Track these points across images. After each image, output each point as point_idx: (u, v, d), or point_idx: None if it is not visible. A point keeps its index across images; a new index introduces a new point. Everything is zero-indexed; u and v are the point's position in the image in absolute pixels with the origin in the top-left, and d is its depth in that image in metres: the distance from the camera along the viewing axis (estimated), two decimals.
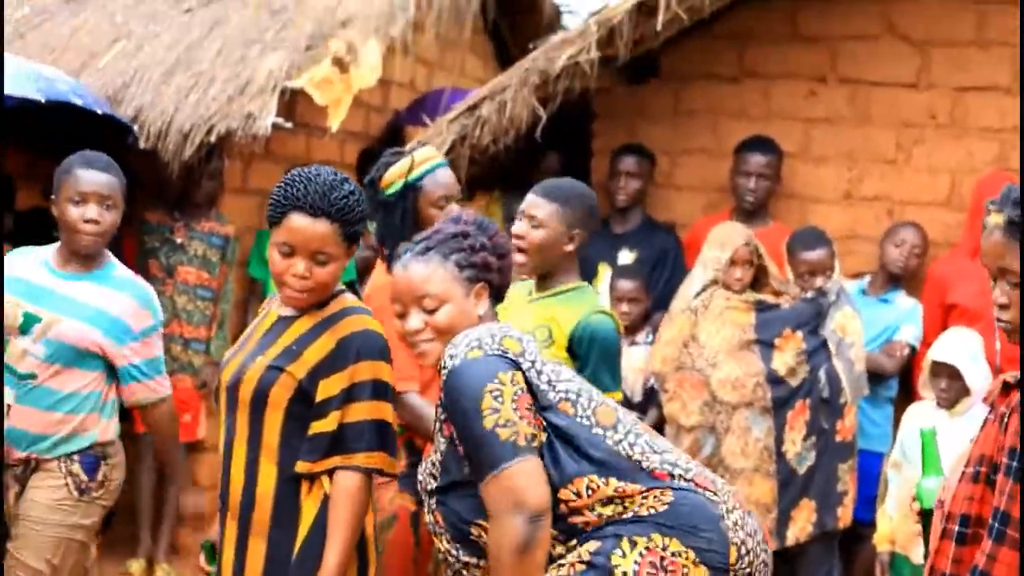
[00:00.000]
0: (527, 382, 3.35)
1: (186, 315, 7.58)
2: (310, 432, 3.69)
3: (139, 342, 4.80)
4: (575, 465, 3.31)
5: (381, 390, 3.72)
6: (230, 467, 3.79)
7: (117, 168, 4.86)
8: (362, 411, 3.68)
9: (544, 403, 3.36)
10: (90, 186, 4.75)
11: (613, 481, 3.30)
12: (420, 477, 3.57)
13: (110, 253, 4.91)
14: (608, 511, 3.31)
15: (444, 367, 3.40)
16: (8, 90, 6.35)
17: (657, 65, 7.42)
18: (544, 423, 3.35)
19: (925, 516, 3.69)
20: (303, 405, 3.69)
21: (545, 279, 4.66)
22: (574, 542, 3.32)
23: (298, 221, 3.67)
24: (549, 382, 3.39)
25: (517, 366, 3.36)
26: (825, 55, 7.17)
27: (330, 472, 3.68)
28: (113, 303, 4.78)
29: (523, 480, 3.24)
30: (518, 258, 4.54)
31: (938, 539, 3.20)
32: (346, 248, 3.74)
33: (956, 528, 3.12)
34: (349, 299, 3.83)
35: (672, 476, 3.34)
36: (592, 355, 4.48)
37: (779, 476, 6.21)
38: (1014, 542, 2.96)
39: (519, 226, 4.62)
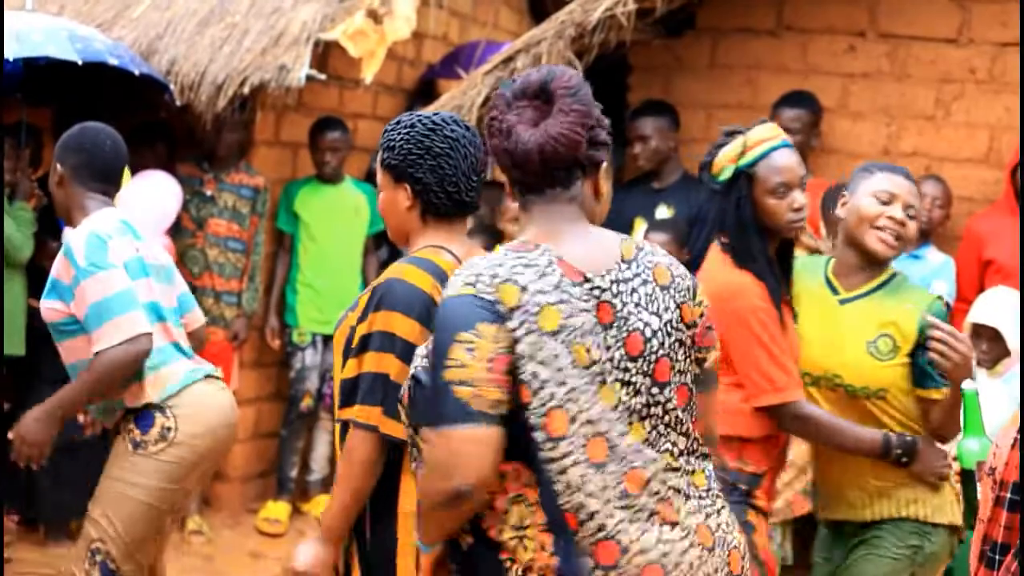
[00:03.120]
0: (514, 342, 2.88)
1: (217, 267, 7.57)
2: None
3: (77, 290, 4.59)
4: (516, 453, 2.92)
5: (388, 342, 3.45)
6: None
7: (65, 138, 4.90)
8: (369, 362, 3.48)
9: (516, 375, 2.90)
10: None
11: (532, 495, 2.92)
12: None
13: (90, 214, 4.78)
14: (513, 520, 2.94)
15: None
16: (45, 51, 6.38)
17: (694, 18, 7.34)
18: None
19: (965, 476, 3.64)
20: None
21: (852, 269, 4.34)
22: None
23: None
24: (529, 355, 2.88)
25: (504, 321, 2.89)
26: (864, 10, 7.08)
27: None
28: (54, 265, 4.73)
29: (465, 449, 2.84)
30: (892, 243, 4.26)
31: (990, 506, 3.14)
32: (391, 180, 3.64)
33: (1008, 496, 3.07)
34: (425, 251, 3.60)
35: (580, 525, 2.89)
36: None
37: None
38: None
39: (898, 211, 4.26)
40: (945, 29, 6.96)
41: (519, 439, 2.90)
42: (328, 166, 7.77)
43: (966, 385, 3.77)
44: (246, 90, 7.13)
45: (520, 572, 2.93)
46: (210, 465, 4.89)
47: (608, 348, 2.94)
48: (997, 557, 3.07)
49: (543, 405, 2.88)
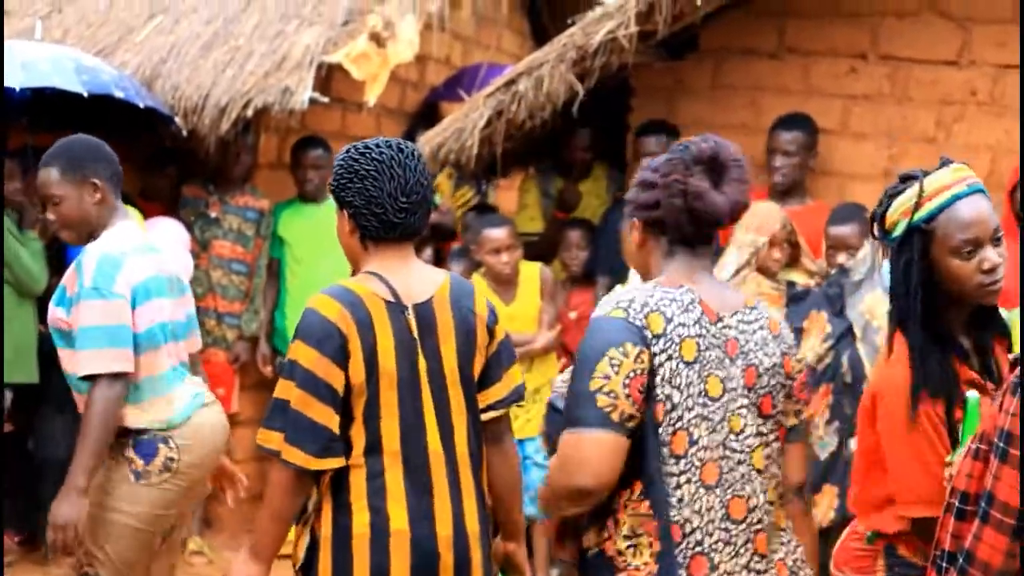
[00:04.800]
0: (653, 365, 3.24)
1: (221, 289, 7.58)
2: None
3: (74, 307, 4.55)
4: (635, 468, 3.27)
5: (290, 370, 3.57)
6: None
7: (55, 156, 4.66)
8: (277, 388, 3.61)
9: (652, 394, 3.26)
10: (38, 188, 4.74)
11: (644, 506, 3.26)
12: None
13: (112, 228, 4.68)
14: (625, 530, 3.30)
15: None
16: (51, 81, 6.39)
17: (696, 40, 7.36)
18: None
19: None
20: None
21: None
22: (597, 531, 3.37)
23: None
24: (666, 379, 3.25)
25: (648, 345, 3.23)
26: (865, 32, 7.10)
27: None
28: (66, 274, 4.68)
29: (593, 452, 3.21)
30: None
31: (942, 513, 3.17)
32: (337, 207, 3.71)
33: (956, 504, 3.11)
34: (355, 277, 3.71)
35: (683, 538, 3.26)
36: None
37: None
38: (998, 523, 2.95)
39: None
40: (946, 51, 6.97)
41: (634, 455, 3.25)
42: (310, 184, 7.73)
43: (969, 394, 3.53)
44: (249, 113, 7.16)
45: None
46: (203, 488, 4.89)
47: (733, 379, 3.32)
48: (944, 565, 3.10)
49: (671, 425, 3.26)
